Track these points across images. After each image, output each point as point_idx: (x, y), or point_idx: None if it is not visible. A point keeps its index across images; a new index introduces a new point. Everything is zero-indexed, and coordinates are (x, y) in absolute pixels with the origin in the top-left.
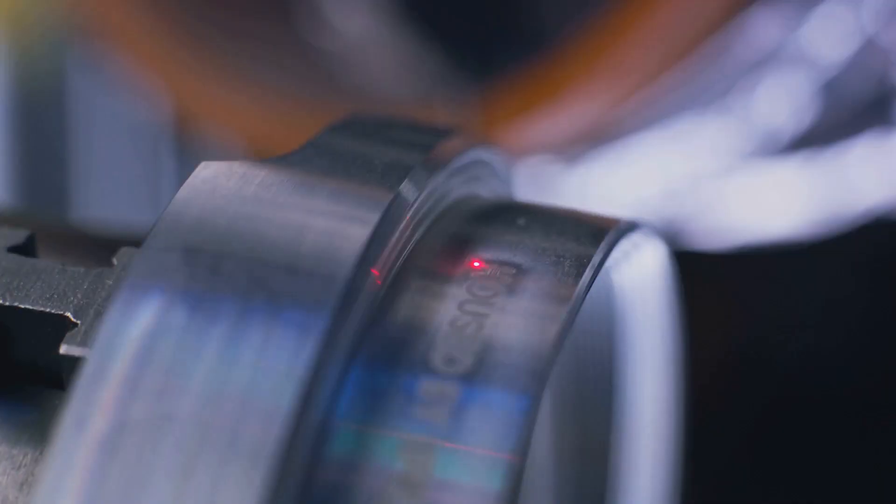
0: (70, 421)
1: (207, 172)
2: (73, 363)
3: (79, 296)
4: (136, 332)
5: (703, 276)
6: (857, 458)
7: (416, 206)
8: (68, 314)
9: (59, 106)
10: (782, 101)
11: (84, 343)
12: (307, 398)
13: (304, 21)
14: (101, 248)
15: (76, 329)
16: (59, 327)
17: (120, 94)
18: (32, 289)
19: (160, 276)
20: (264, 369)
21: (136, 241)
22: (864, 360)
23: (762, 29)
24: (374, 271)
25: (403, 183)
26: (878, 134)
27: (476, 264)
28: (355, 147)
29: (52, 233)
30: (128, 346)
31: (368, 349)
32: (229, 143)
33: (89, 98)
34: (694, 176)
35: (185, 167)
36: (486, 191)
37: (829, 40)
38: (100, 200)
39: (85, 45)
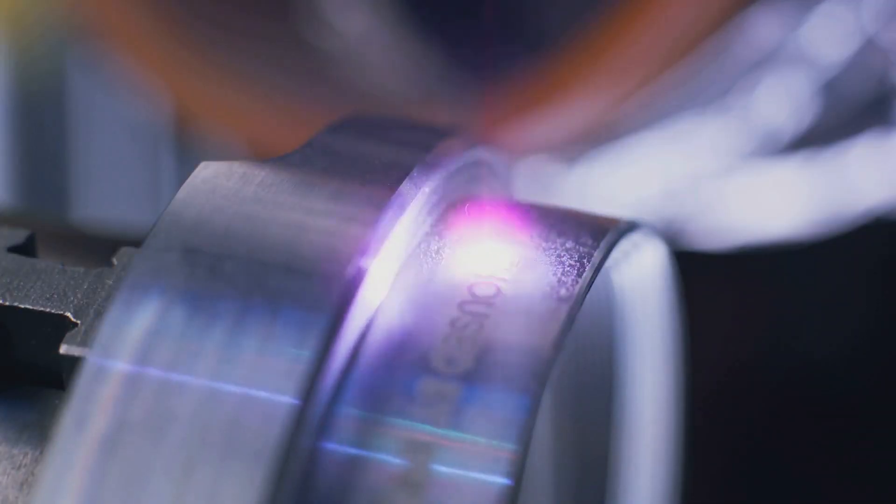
0: (70, 420)
1: (207, 172)
2: (73, 363)
3: (79, 296)
4: (136, 332)
5: (703, 276)
6: (857, 458)
7: (415, 206)
8: (68, 314)
9: (59, 106)
10: (782, 101)
11: (84, 343)
12: (308, 397)
13: (304, 21)
14: (101, 248)
15: (76, 329)
16: (59, 327)
17: (120, 94)
18: (32, 289)
19: (160, 276)
20: (264, 368)
21: (136, 241)
22: (865, 359)
23: (762, 29)
24: (374, 271)
25: (403, 183)
26: (878, 134)
27: (476, 264)
28: (355, 147)
29: (52, 233)
30: (128, 346)
31: (369, 349)
32: (229, 143)
33: (89, 98)
34: (694, 176)
35: (185, 167)
36: (486, 191)
37: (829, 40)
38: (100, 200)
39: (85, 45)
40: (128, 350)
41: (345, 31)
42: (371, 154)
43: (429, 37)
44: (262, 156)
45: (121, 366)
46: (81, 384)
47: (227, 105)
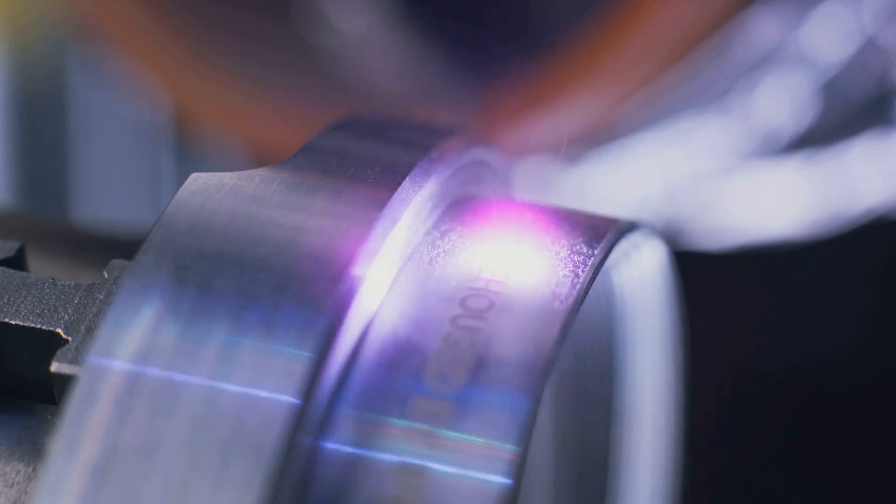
0: (62, 445)
1: (197, 184)
2: (65, 379)
3: (69, 311)
4: (127, 352)
5: (703, 276)
6: (857, 457)
7: (415, 205)
8: (59, 330)
9: (59, 106)
10: (782, 101)
11: (75, 361)
12: (307, 397)
13: (304, 21)
14: (100, 248)
15: (67, 346)
16: (51, 343)
17: (120, 94)
18: (23, 304)
19: (150, 294)
20: (263, 369)
21: (133, 243)
22: (865, 359)
23: (762, 29)
24: (374, 271)
25: (403, 183)
26: (878, 134)
27: (477, 263)
28: (355, 147)
29: (52, 233)
30: (118, 367)
31: (368, 349)
32: (229, 143)
33: (89, 98)
34: (694, 176)
35: (185, 167)
36: (486, 191)
37: (829, 40)
38: (100, 200)
39: (85, 45)
40: (118, 371)
41: (345, 31)
42: (370, 154)
43: (429, 37)
44: (261, 156)
45: (111, 388)
46: (72, 407)
47: (227, 105)
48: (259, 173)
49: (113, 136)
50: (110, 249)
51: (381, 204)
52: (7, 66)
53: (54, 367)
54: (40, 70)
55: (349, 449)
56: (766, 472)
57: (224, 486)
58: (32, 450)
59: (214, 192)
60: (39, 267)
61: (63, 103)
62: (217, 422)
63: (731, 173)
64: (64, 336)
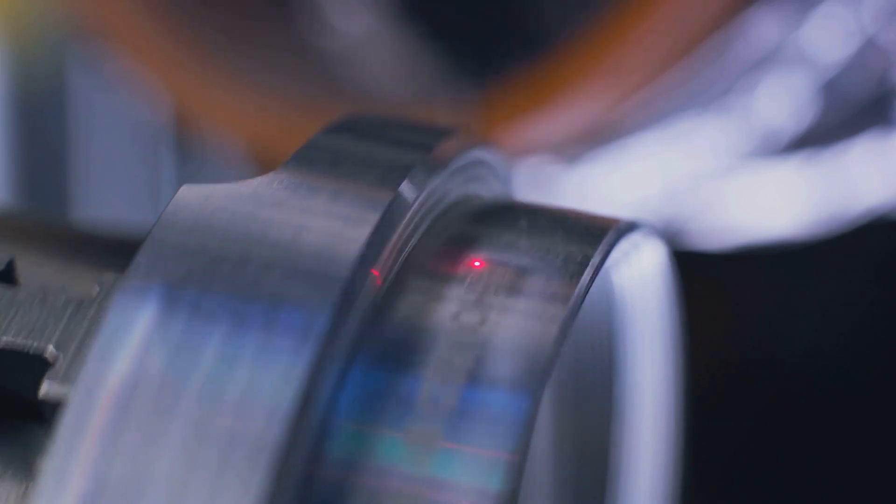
0: (50, 478)
1: (190, 194)
2: (56, 398)
3: (60, 328)
4: (117, 374)
5: (703, 276)
6: (857, 457)
7: (415, 206)
8: (49, 348)
9: (59, 106)
10: (782, 101)
11: (66, 379)
12: (308, 399)
13: (304, 21)
14: (99, 249)
15: (56, 367)
16: (40, 362)
17: (120, 94)
18: (12, 322)
19: (141, 313)
20: (254, 396)
21: (133, 243)
22: (865, 359)
23: (762, 29)
24: (374, 272)
25: (403, 183)
26: (878, 134)
27: (476, 264)
28: (354, 147)
29: (51, 233)
30: (109, 391)
31: (368, 350)
32: (229, 143)
33: (89, 98)
34: (694, 176)
35: (185, 167)
36: (486, 191)
37: (829, 40)
38: (100, 200)
39: (85, 45)
40: (109, 396)
41: (345, 31)
42: (370, 154)
43: (429, 37)
44: (261, 156)
45: (101, 415)
46: (64, 427)
47: (227, 105)
48: (250, 183)
49: (113, 136)
50: (110, 250)
51: (381, 204)
52: (7, 66)
53: (44, 389)
54: (40, 70)
55: (349, 450)
56: (766, 471)
57: (223, 488)
58: (24, 470)
59: (213, 193)
60: (38, 268)
61: (63, 103)
62: (216, 422)
63: (731, 173)
64: (53, 355)
